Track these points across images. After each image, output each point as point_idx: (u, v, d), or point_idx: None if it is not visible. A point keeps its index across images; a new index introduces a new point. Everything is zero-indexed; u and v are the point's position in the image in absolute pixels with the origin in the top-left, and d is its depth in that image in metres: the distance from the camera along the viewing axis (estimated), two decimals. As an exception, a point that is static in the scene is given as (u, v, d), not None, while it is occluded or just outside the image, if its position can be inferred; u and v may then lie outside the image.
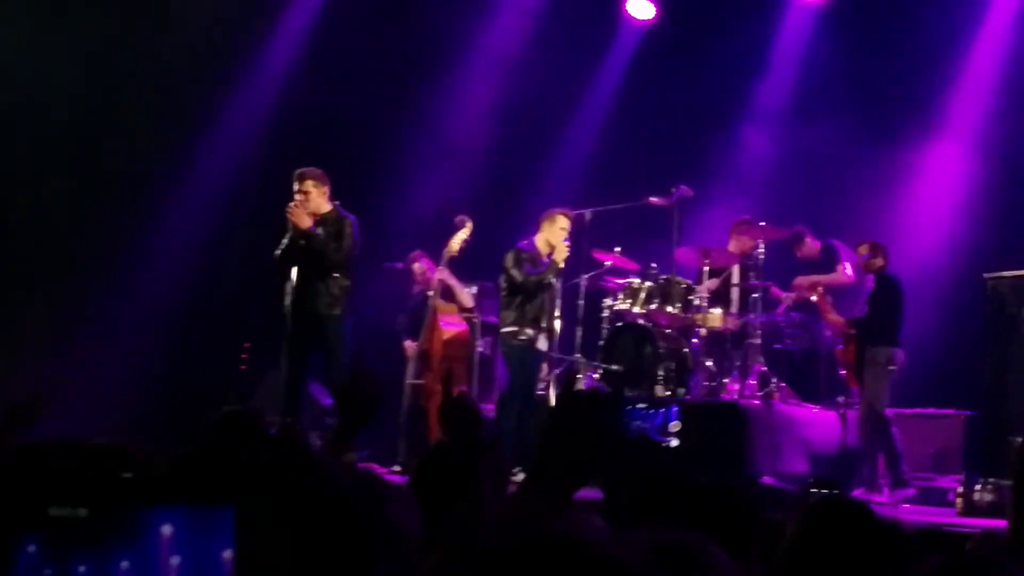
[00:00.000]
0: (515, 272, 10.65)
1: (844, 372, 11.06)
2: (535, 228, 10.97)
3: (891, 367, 10.24)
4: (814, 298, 11.29)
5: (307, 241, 9.91)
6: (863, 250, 10.61)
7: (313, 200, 9.99)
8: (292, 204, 9.97)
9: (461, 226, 11.15)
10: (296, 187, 10.01)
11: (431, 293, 11.52)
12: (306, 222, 9.91)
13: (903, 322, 10.43)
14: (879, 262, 10.56)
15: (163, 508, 1.86)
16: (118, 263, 12.85)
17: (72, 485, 1.95)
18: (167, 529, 1.83)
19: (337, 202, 10.14)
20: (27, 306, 12.45)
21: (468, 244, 11.16)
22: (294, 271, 10.03)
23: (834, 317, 10.93)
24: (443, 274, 11.43)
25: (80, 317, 12.74)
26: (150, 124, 13.01)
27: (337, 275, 9.96)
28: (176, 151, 13.20)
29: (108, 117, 12.71)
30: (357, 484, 1.89)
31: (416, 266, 11.96)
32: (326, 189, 10.09)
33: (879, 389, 10.23)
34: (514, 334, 10.68)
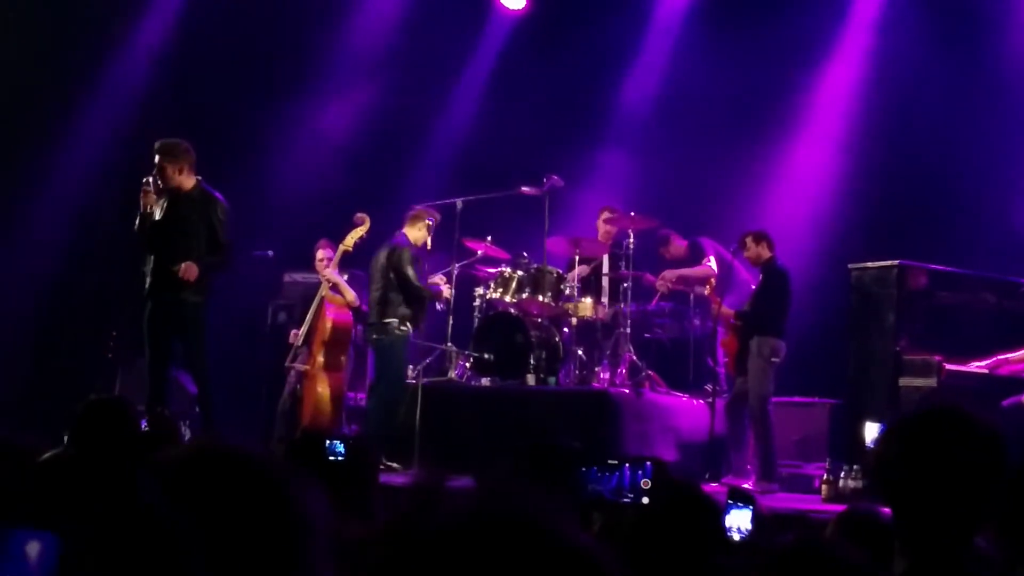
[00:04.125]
0: (412, 274, 10.76)
1: (726, 362, 11.16)
2: (400, 223, 11.02)
3: (774, 359, 10.33)
4: (705, 291, 11.36)
5: (163, 221, 9.55)
6: (749, 241, 10.64)
7: (170, 174, 9.56)
8: (145, 180, 9.57)
9: (360, 223, 11.16)
10: (155, 160, 9.62)
11: (323, 274, 11.47)
12: (151, 201, 9.53)
13: (789, 314, 10.55)
14: (765, 252, 10.60)
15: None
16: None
17: None
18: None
19: (200, 177, 9.79)
20: None
21: (364, 240, 11.16)
22: (149, 253, 9.67)
23: (724, 310, 11.00)
24: (333, 275, 11.41)
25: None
26: (15, 102, 12.71)
27: (199, 256, 9.55)
28: (44, 131, 12.92)
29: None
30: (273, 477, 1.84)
31: (319, 252, 11.85)
32: (185, 162, 9.64)
33: (762, 380, 10.29)
34: (397, 325, 10.72)
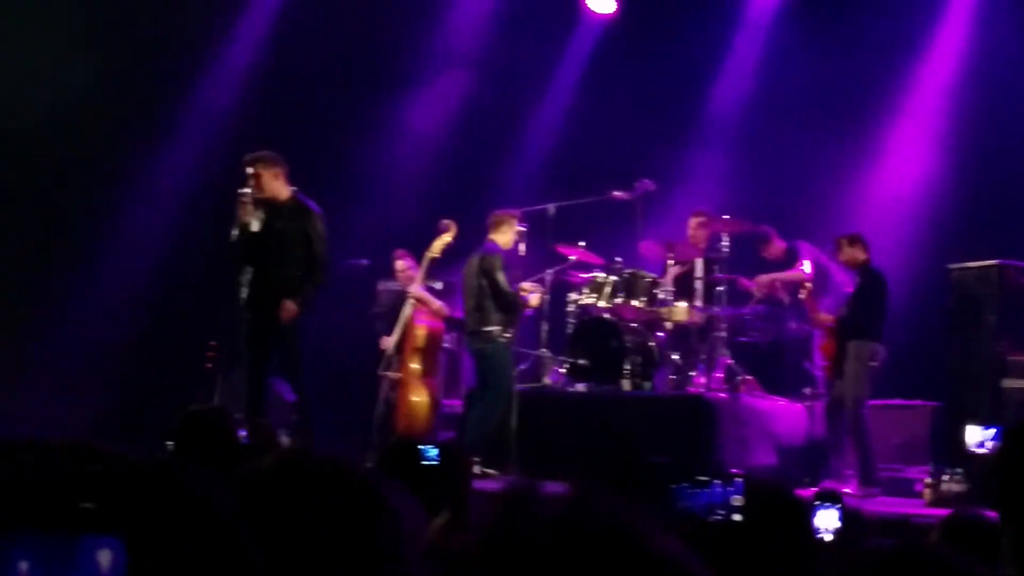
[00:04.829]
0: (503, 280, 10.78)
1: (824, 366, 11.03)
2: (484, 228, 11.04)
3: (872, 363, 10.20)
4: (801, 295, 11.24)
5: (260, 232, 9.68)
6: (844, 244, 10.53)
7: (265, 184, 9.69)
8: (241, 193, 9.74)
9: (445, 230, 11.18)
10: (248, 172, 9.73)
11: (409, 291, 11.53)
12: (248, 213, 9.66)
13: (886, 317, 10.40)
14: (860, 255, 10.48)
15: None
16: (81, 260, 12.80)
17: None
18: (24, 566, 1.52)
19: (295, 188, 9.92)
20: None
21: (450, 247, 11.20)
22: (247, 265, 9.81)
23: (822, 315, 10.89)
24: (417, 291, 11.47)
25: (43, 315, 12.66)
26: (113, 120, 12.95)
27: (293, 266, 9.70)
28: (140, 147, 13.14)
29: (71, 114, 12.64)
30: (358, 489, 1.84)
31: (398, 263, 11.94)
32: (278, 172, 9.76)
33: (859, 384, 10.17)
34: (499, 333, 10.72)
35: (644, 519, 1.41)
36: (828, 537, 3.59)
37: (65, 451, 2.85)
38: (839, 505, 3.63)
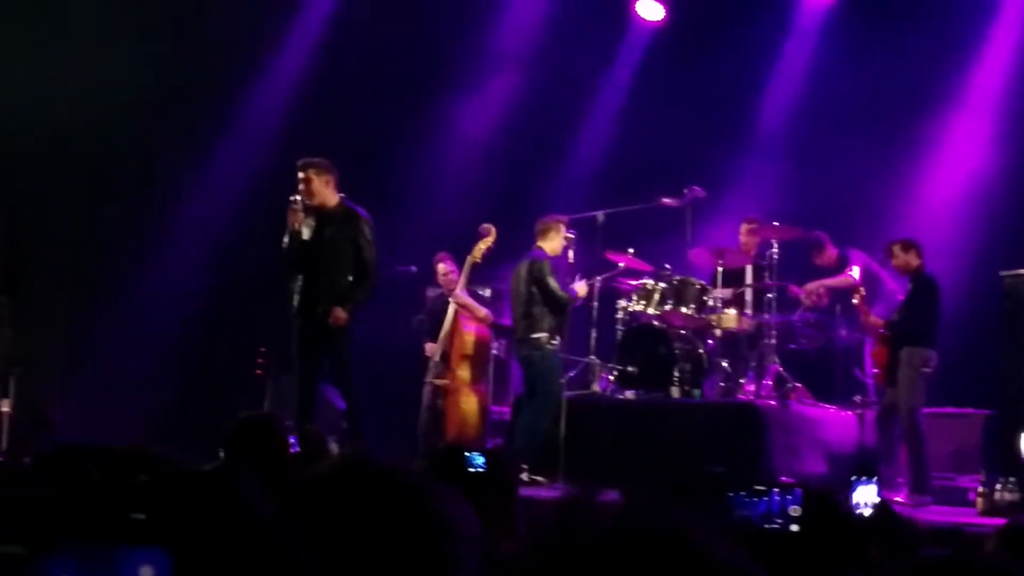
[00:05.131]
0: (554, 285, 10.74)
1: (876, 373, 10.96)
2: (531, 234, 11.02)
3: (925, 369, 10.12)
4: (854, 300, 11.17)
5: (310, 239, 9.75)
6: (896, 250, 10.47)
7: (316, 190, 9.76)
8: (292, 200, 9.79)
9: (485, 234, 11.20)
10: (299, 178, 9.82)
11: (452, 295, 11.55)
12: (299, 220, 9.73)
13: (940, 323, 10.33)
14: (914, 261, 10.42)
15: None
16: (134, 267, 12.91)
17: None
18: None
19: (343, 194, 9.97)
20: (44, 315, 12.47)
21: (492, 252, 11.21)
22: (297, 272, 9.88)
23: (872, 319, 10.84)
24: (462, 297, 11.49)
25: (97, 323, 12.78)
26: (164, 129, 13.06)
27: (343, 272, 9.76)
28: (190, 156, 13.25)
29: (123, 122, 12.77)
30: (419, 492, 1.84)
31: (440, 267, 11.99)
32: (329, 178, 9.82)
33: (913, 391, 10.10)
34: (547, 340, 10.71)
35: (703, 527, 1.40)
36: (867, 512, 3.59)
37: (122, 458, 2.87)
38: (875, 479, 3.63)
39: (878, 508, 3.65)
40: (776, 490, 3.17)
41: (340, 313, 9.65)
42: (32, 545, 1.50)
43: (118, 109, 12.67)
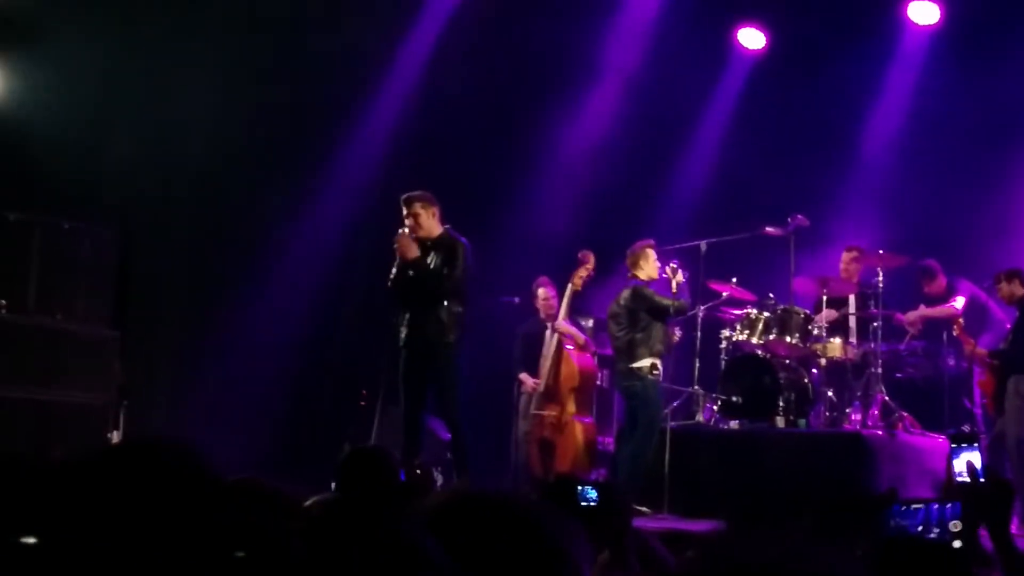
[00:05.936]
0: (660, 299, 10.69)
1: (984, 403, 10.81)
2: (623, 264, 11.01)
3: None
4: (954, 331, 11.03)
5: (415, 271, 9.88)
6: (1002, 279, 10.34)
7: (424, 223, 9.89)
8: (400, 232, 9.91)
9: (585, 261, 11.19)
10: (405, 212, 9.97)
11: (553, 324, 11.55)
12: (413, 252, 9.87)
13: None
14: (1019, 290, 10.27)
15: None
16: (241, 300, 13.07)
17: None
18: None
19: (448, 225, 10.07)
20: (154, 348, 12.69)
21: (591, 278, 11.21)
22: (403, 304, 9.99)
23: (978, 349, 10.69)
24: (563, 326, 11.50)
25: (205, 356, 12.95)
26: (272, 161, 13.25)
27: (447, 302, 9.85)
28: (297, 188, 13.41)
29: (234, 157, 12.98)
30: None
31: (541, 291, 11.99)
32: (435, 211, 9.96)
33: (1020, 421, 9.93)
34: (649, 369, 10.68)
35: (850, 565, 1.40)
36: (965, 479, 3.53)
37: (235, 491, 2.92)
38: (976, 444, 3.58)
39: (989, 475, 3.54)
40: (935, 502, 3.14)
41: (410, 245, 9.78)
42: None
43: (230, 144, 12.89)
